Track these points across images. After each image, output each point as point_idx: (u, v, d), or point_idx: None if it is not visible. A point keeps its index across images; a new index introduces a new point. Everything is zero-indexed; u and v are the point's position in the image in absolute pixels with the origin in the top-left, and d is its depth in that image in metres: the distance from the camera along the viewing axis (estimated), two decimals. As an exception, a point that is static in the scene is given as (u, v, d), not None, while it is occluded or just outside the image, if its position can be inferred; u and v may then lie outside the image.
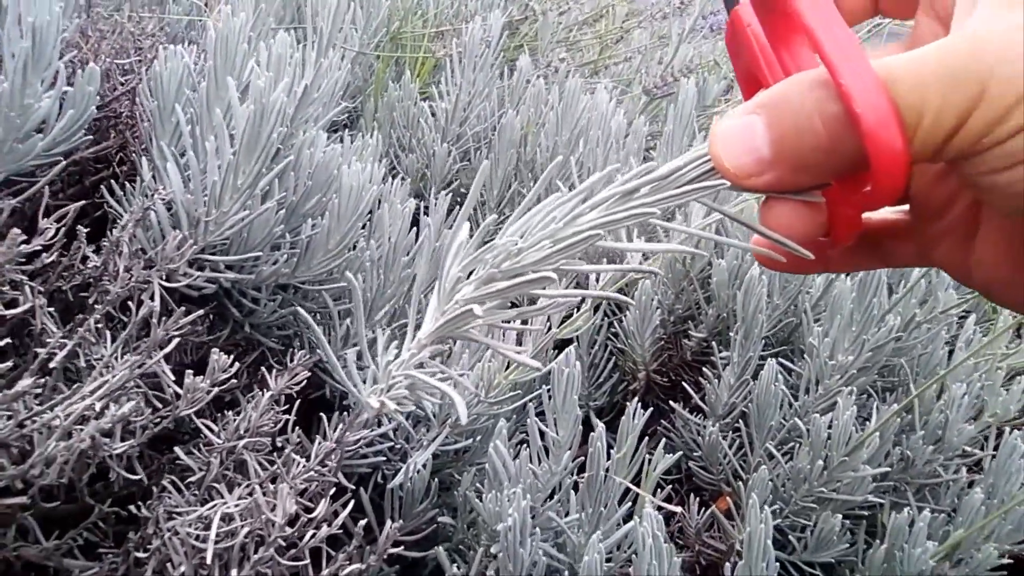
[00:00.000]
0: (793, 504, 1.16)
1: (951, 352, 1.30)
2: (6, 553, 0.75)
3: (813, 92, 0.34)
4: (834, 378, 1.18)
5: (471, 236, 0.41)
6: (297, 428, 0.82)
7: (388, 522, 0.77)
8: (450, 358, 1.10)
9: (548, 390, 0.95)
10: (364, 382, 0.42)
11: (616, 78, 2.13)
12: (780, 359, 1.27)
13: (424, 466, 1.04)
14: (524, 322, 0.92)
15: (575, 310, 1.12)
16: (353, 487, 1.01)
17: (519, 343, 1.09)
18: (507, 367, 1.10)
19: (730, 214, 0.43)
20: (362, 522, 0.75)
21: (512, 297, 0.40)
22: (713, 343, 1.31)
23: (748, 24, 0.41)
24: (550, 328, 1.10)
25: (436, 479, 1.08)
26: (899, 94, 0.32)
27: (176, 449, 0.83)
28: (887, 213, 0.45)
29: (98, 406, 0.65)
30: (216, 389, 0.75)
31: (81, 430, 0.65)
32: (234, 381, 0.80)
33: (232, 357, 1.04)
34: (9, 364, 0.69)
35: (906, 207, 0.44)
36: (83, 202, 0.83)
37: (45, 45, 0.77)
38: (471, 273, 0.40)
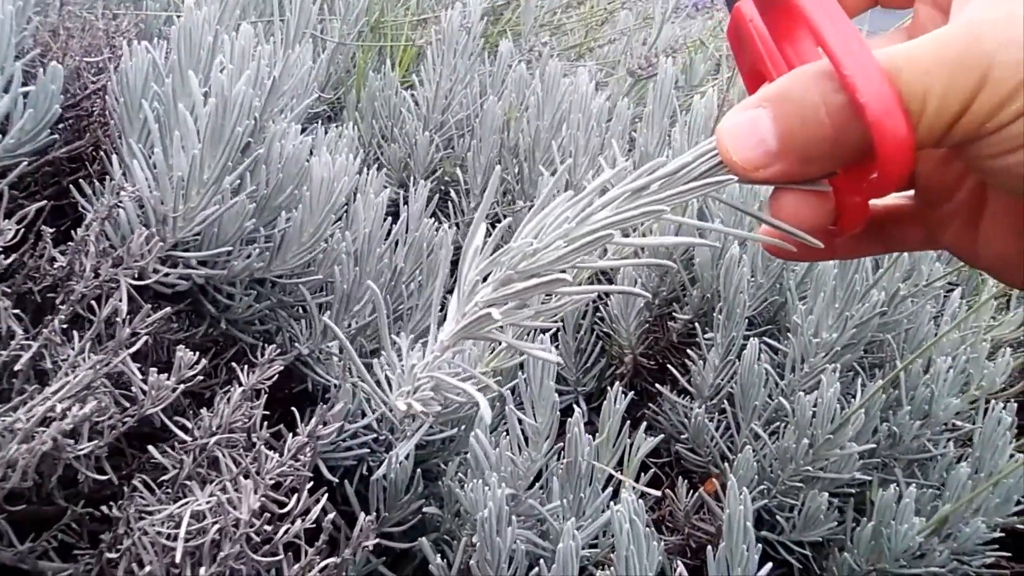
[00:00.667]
0: (780, 484, 1.16)
1: (938, 327, 1.29)
2: (-20, 557, 0.75)
3: (817, 84, 0.34)
4: (819, 356, 1.17)
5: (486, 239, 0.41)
6: (267, 423, 0.82)
7: (361, 515, 0.77)
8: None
9: (525, 378, 0.94)
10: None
11: (601, 61, 2.12)
12: (766, 338, 1.26)
13: (407, 457, 1.04)
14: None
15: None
16: (336, 480, 1.01)
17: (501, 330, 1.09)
18: (490, 353, 1.09)
19: (727, 201, 0.43)
20: (330, 515, 0.75)
21: (529, 298, 0.41)
22: (697, 324, 1.30)
23: (750, 19, 0.41)
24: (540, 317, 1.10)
25: (422, 469, 1.08)
26: (902, 82, 0.32)
27: (150, 448, 0.83)
28: (893, 199, 0.45)
29: (59, 407, 0.65)
30: (183, 386, 0.75)
31: (43, 432, 0.64)
32: (204, 378, 0.80)
33: (210, 354, 1.04)
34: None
35: (912, 192, 0.44)
36: (47, 202, 0.83)
37: (0, 43, 0.76)
38: (488, 275, 0.41)
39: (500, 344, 1.07)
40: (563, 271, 0.40)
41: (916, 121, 0.33)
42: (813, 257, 0.45)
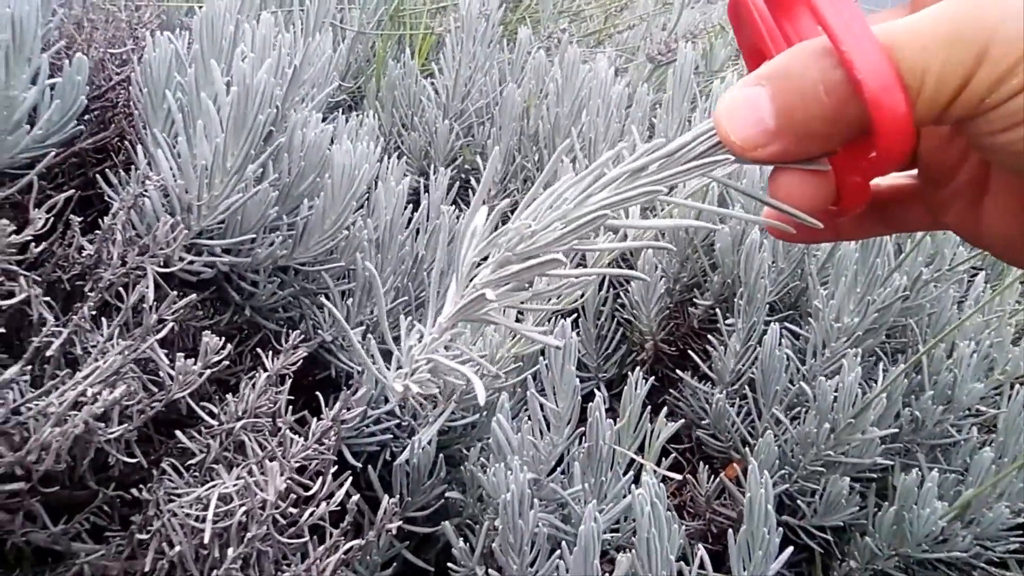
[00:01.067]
0: (802, 469, 1.16)
1: (961, 311, 1.28)
2: (15, 539, 0.77)
3: (816, 61, 0.34)
4: (840, 340, 1.17)
5: (487, 220, 0.41)
6: (291, 408, 0.83)
7: (385, 498, 0.78)
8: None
9: (546, 363, 0.95)
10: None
11: (621, 47, 2.11)
12: (787, 324, 1.26)
13: (430, 442, 1.05)
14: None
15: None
16: (360, 465, 1.02)
17: (519, 317, 1.09)
18: (511, 339, 1.10)
19: (734, 185, 0.43)
20: (354, 498, 0.76)
21: (527, 279, 0.41)
22: (718, 310, 1.30)
23: None
24: (550, 300, 1.10)
25: (444, 454, 1.09)
26: (901, 58, 0.32)
27: (177, 432, 0.84)
28: (897, 178, 0.45)
29: (90, 392, 0.66)
30: (209, 371, 0.76)
31: (75, 415, 0.66)
32: (229, 365, 0.81)
33: (235, 341, 1.06)
34: (5, 355, 0.71)
35: (915, 171, 0.44)
36: (73, 192, 0.84)
37: (27, 35, 0.78)
38: (487, 257, 0.41)
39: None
40: (580, 253, 0.40)
41: (915, 97, 0.32)
42: (815, 238, 0.44)
